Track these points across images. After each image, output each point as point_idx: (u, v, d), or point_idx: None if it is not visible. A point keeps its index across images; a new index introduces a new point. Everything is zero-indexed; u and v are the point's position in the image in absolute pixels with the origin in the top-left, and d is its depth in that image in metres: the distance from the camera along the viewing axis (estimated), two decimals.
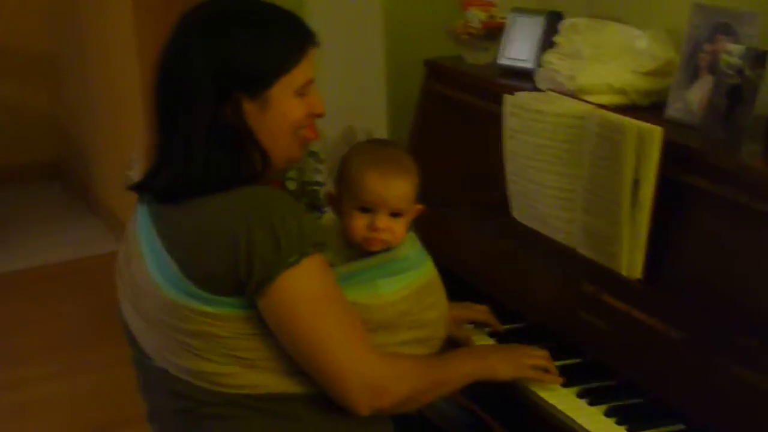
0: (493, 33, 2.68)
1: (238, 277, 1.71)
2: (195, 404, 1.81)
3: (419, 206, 1.99)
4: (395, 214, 1.92)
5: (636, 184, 1.95)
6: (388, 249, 1.93)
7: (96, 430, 3.48)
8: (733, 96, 1.93)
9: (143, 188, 1.85)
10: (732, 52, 1.95)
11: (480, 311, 2.22)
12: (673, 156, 1.94)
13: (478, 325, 2.23)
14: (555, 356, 2.03)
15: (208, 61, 1.75)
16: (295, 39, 1.82)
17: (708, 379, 1.81)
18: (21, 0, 5.81)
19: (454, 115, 2.67)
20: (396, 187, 1.91)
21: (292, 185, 3.14)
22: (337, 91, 3.56)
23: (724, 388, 1.77)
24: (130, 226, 1.88)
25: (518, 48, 2.59)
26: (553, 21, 2.51)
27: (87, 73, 5.37)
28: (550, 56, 2.35)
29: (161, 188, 1.80)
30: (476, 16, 2.70)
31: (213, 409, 1.80)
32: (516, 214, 2.30)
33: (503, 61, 2.62)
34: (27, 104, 6.05)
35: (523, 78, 2.51)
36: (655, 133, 1.92)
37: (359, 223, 1.92)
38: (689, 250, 1.94)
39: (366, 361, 1.77)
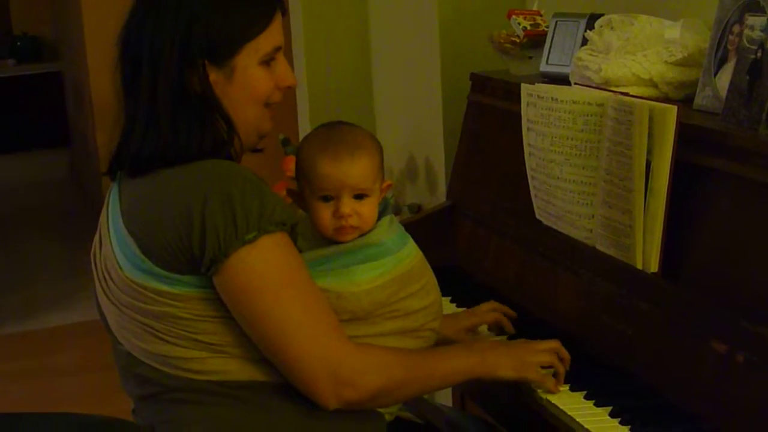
0: (537, 41, 2.56)
1: (191, 253, 1.63)
2: (161, 390, 1.72)
3: (388, 182, 1.87)
4: (360, 196, 1.80)
5: (649, 167, 1.81)
6: (362, 235, 1.81)
7: None
8: (754, 72, 1.77)
9: (115, 166, 1.79)
10: (754, 26, 1.80)
11: (487, 312, 2.06)
12: (691, 139, 1.80)
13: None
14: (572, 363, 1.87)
15: (173, 27, 1.70)
16: (261, 6, 1.76)
17: (725, 382, 1.65)
18: None
19: (496, 125, 2.55)
20: (352, 167, 1.78)
21: None
22: (398, 121, 3.50)
23: (746, 393, 1.60)
24: (103, 209, 1.82)
25: (559, 54, 2.46)
26: (594, 23, 2.38)
27: None
28: (581, 53, 2.22)
29: (128, 161, 1.74)
30: (519, 25, 2.59)
31: (179, 395, 1.71)
32: (538, 213, 2.16)
33: (545, 68, 2.50)
34: None
35: (564, 84, 2.38)
36: (668, 112, 1.78)
37: (325, 214, 1.79)
38: (709, 239, 1.77)
39: (332, 349, 1.66)
